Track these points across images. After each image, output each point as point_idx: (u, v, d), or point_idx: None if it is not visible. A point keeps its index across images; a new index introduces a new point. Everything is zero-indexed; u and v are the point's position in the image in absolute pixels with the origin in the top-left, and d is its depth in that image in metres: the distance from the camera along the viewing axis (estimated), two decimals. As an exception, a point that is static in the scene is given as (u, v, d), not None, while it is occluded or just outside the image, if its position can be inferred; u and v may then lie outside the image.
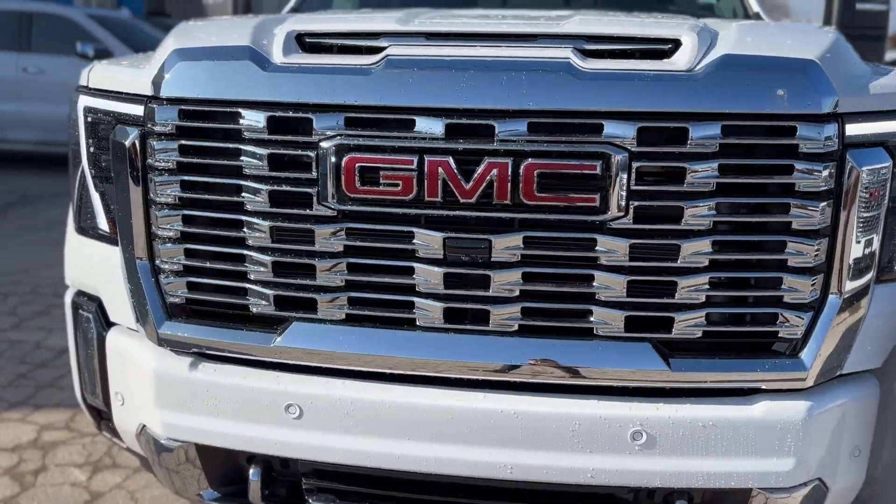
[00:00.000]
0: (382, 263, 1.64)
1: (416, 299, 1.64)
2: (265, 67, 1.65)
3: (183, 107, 1.68)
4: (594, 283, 1.59)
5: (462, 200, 1.56)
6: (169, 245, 1.74)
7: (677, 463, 1.60)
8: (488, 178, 1.54)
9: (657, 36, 1.67)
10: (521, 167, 1.53)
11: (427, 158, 1.55)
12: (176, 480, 1.86)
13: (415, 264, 1.62)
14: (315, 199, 1.62)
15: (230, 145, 1.66)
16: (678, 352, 1.61)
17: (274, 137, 1.62)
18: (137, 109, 1.76)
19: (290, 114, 1.61)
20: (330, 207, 1.62)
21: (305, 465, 1.77)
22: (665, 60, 1.60)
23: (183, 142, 1.68)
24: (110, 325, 1.93)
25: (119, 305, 1.88)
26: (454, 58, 1.60)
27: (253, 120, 1.63)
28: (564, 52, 1.60)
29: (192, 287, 1.75)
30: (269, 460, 1.80)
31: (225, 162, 1.67)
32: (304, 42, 1.73)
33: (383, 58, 1.62)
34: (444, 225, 1.59)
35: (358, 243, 1.64)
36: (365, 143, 1.58)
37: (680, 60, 1.58)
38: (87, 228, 1.98)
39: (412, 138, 1.56)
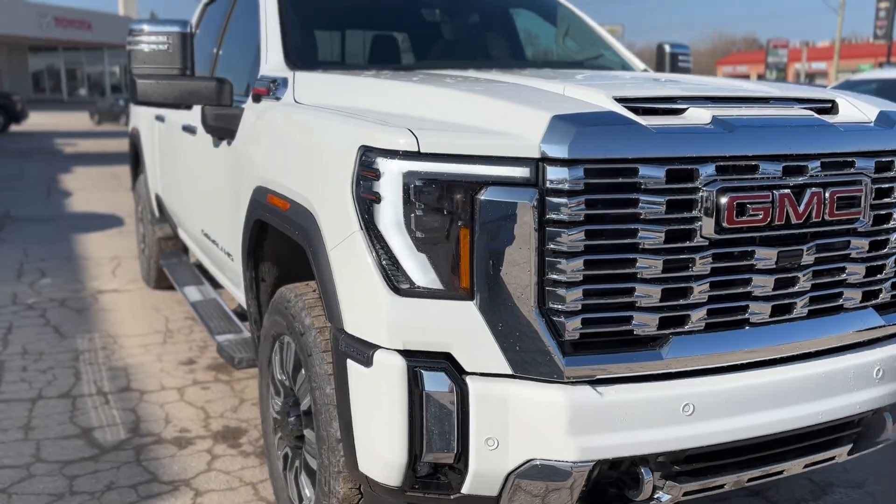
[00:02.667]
0: (732, 278, 2.10)
1: (750, 303, 2.13)
2: (641, 130, 1.98)
3: (587, 166, 1.92)
4: (846, 272, 2.27)
5: (794, 221, 2.11)
6: (568, 289, 1.94)
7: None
8: (811, 203, 2.12)
9: (821, 97, 2.40)
10: (827, 193, 2.14)
11: (776, 193, 2.07)
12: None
13: (754, 276, 2.12)
14: (697, 232, 2.01)
15: (631, 196, 1.95)
16: (885, 310, 2.37)
17: (669, 186, 1.97)
18: (514, 171, 1.92)
19: (680, 166, 1.98)
20: (706, 238, 2.02)
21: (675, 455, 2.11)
22: (856, 115, 2.35)
23: (589, 196, 1.92)
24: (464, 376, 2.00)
25: (479, 355, 1.98)
26: (762, 117, 2.14)
27: (651, 173, 1.95)
28: (808, 112, 2.26)
29: (585, 323, 1.97)
30: (653, 459, 2.09)
31: (624, 210, 1.95)
32: (636, 107, 2.08)
33: (711, 118, 2.08)
34: (778, 241, 2.12)
35: (720, 264, 2.07)
36: (736, 184, 2.03)
37: (865, 115, 2.34)
38: (412, 289, 2.00)
39: (763, 178, 2.06)
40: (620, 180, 1.95)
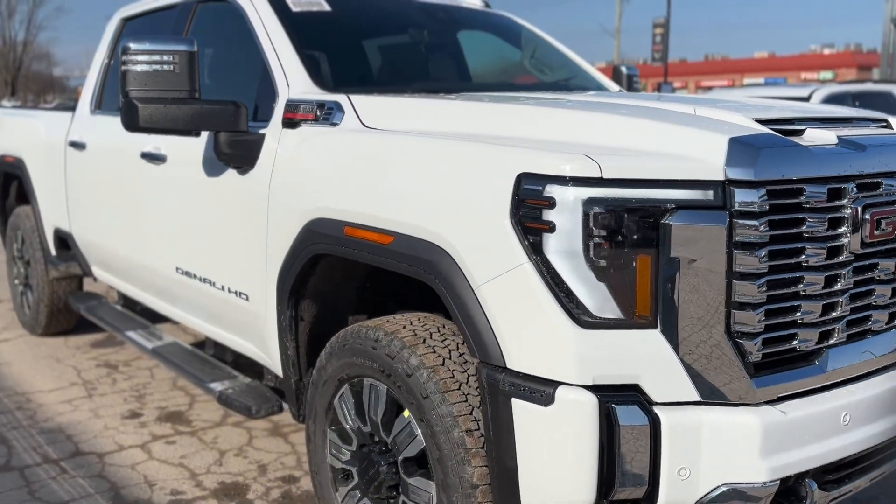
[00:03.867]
0: (866, 290, 2.21)
1: (874, 312, 2.25)
2: (804, 151, 2.04)
3: (769, 187, 1.94)
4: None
5: (908, 233, 2.25)
6: (754, 311, 1.95)
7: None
8: (922, 216, 2.27)
9: (877, 117, 2.59)
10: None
11: (902, 207, 2.20)
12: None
13: (877, 286, 2.24)
14: (846, 247, 2.09)
15: (800, 215, 1.99)
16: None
17: (830, 204, 2.04)
18: (700, 194, 1.91)
19: (836, 185, 2.06)
20: (852, 253, 2.11)
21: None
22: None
23: (771, 217, 1.94)
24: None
25: (667, 384, 1.94)
26: (868, 136, 2.27)
27: (816, 192, 2.01)
28: (887, 130, 2.42)
29: (765, 343, 1.99)
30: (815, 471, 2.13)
31: (797, 230, 2.00)
32: (778, 129, 2.14)
33: (837, 139, 2.18)
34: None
35: (859, 277, 2.17)
36: (873, 200, 2.14)
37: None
38: (596, 320, 1.93)
39: (888, 193, 2.19)
40: (793, 200, 1.99)
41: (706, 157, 1.95)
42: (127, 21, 4.51)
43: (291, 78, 2.98)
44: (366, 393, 2.53)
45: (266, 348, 3.09)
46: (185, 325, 3.81)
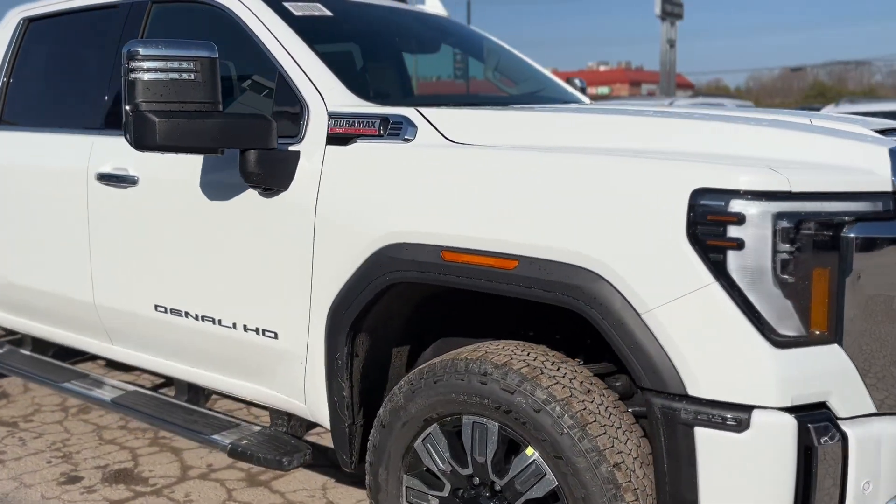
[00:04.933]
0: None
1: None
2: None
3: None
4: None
5: None
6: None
7: None
8: None
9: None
10: None
11: None
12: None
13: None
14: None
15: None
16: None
17: None
18: (872, 205, 1.91)
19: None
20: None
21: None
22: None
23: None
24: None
25: (850, 399, 1.92)
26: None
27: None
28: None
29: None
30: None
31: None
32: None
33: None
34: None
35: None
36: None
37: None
38: (787, 339, 1.86)
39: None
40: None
41: (873, 169, 1.95)
42: (32, 22, 3.89)
43: (325, 90, 2.67)
44: (466, 432, 2.30)
45: (298, 392, 2.75)
46: (162, 372, 3.32)
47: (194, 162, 2.87)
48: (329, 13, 3.10)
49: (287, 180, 2.61)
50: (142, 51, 2.45)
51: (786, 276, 1.86)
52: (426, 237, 2.29)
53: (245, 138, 2.53)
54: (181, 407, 3.23)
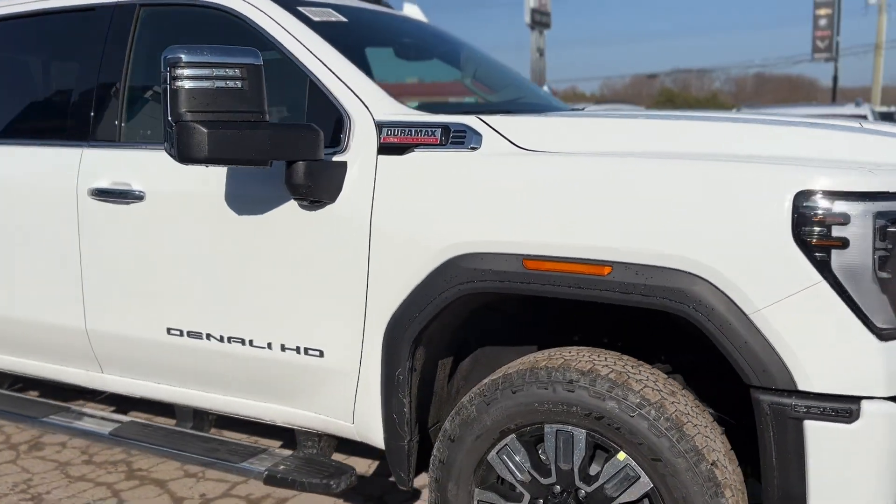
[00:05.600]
0: None
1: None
2: None
3: None
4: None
5: None
6: None
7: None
8: None
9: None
10: None
11: None
12: None
13: None
14: None
15: None
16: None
17: None
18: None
19: None
20: None
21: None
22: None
23: None
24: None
25: None
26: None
27: None
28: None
29: None
30: None
31: None
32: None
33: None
34: None
35: None
36: None
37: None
38: (889, 331, 1.97)
39: None
40: None
41: None
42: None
43: (369, 99, 2.59)
44: (549, 441, 2.29)
45: (343, 411, 2.65)
46: (163, 399, 3.10)
47: (213, 175, 2.72)
48: (344, 19, 3.01)
49: (335, 192, 2.51)
50: (184, 57, 2.30)
51: (882, 272, 1.96)
52: (505, 246, 2.26)
53: (294, 149, 2.41)
54: (193, 436, 3.04)
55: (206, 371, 2.90)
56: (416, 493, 3.41)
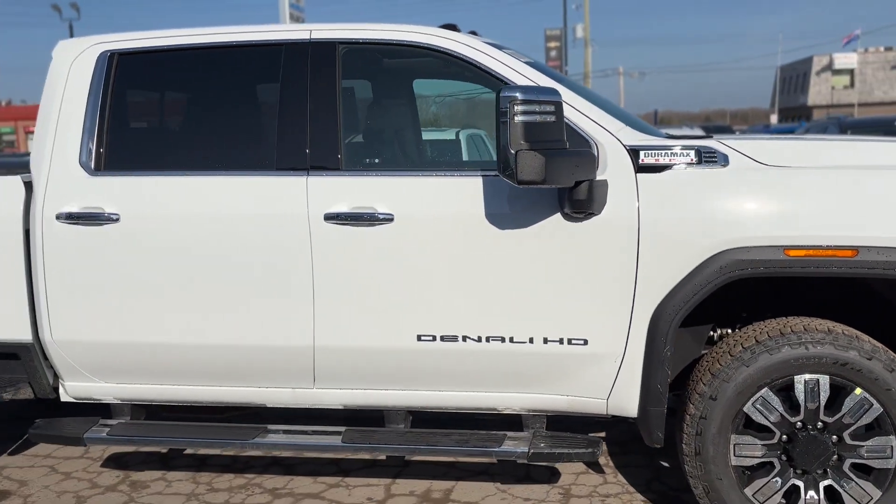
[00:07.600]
0: None
1: None
2: None
3: None
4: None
5: None
6: None
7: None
8: None
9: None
10: None
11: None
12: None
13: None
14: None
15: None
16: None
17: None
18: None
19: None
20: None
21: None
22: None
23: None
24: None
25: None
26: None
27: None
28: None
29: None
30: None
31: None
32: None
33: None
34: None
35: None
36: None
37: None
38: None
39: None
40: None
41: None
42: (121, 57, 3.54)
43: (612, 128, 3.14)
44: (799, 388, 2.99)
45: (600, 388, 3.16)
46: (384, 404, 3.35)
47: (468, 196, 3.11)
48: (526, 58, 3.50)
49: (601, 205, 3.03)
50: (520, 96, 2.74)
51: None
52: (769, 240, 2.94)
53: (587, 170, 2.92)
54: (423, 433, 3.35)
55: (453, 370, 3.24)
56: (556, 473, 3.91)
